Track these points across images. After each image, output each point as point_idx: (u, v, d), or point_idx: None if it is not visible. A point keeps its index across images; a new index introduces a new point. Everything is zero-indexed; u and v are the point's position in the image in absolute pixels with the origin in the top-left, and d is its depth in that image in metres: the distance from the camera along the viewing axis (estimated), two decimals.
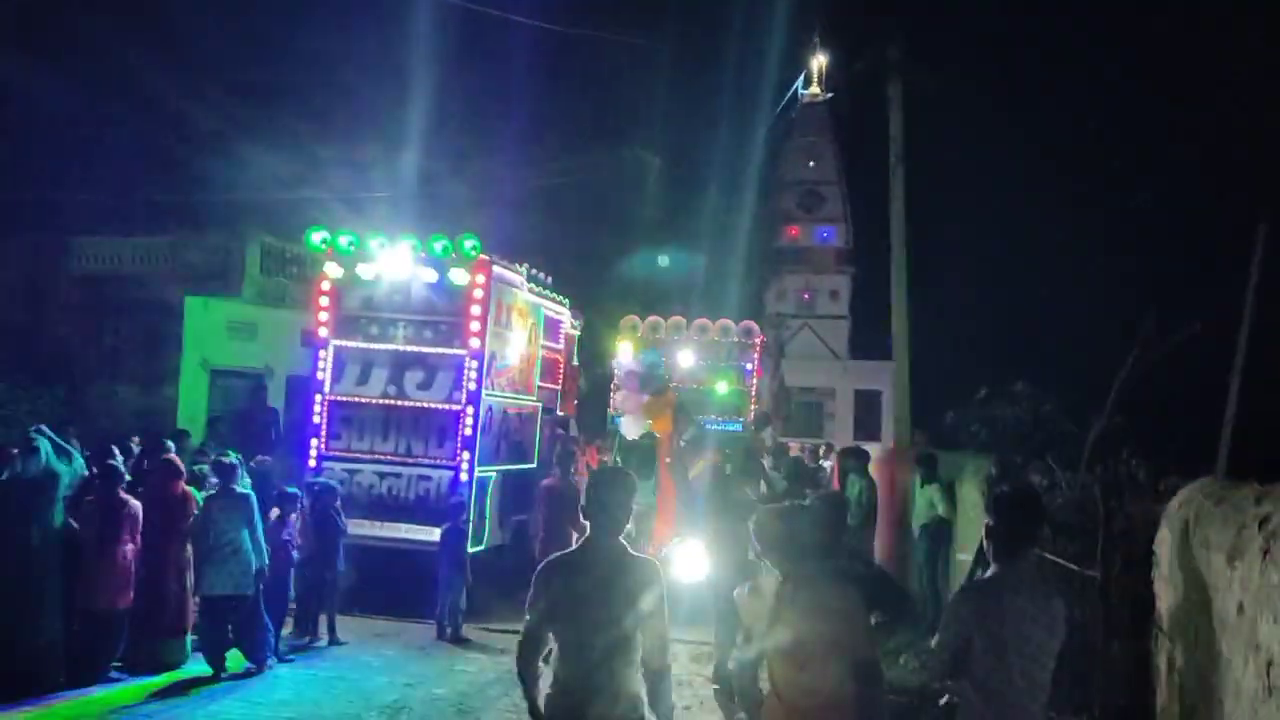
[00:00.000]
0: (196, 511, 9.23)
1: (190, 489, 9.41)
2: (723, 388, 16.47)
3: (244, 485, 9.39)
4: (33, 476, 8.49)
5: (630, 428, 14.00)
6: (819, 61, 41.30)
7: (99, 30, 18.15)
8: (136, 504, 9.04)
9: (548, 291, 13.87)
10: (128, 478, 9.24)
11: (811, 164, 42.53)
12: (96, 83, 19.01)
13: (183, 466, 9.66)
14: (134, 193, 19.42)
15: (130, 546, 8.91)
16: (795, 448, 17.55)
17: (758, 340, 17.01)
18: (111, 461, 9.39)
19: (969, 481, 10.29)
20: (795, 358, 37.15)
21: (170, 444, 11.06)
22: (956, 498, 10.94)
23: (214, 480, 9.41)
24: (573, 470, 12.19)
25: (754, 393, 16.66)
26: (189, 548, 9.22)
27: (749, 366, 16.71)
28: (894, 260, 16.57)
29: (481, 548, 11.77)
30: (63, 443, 8.89)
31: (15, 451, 8.75)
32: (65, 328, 17.60)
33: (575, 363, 15.83)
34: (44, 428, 8.85)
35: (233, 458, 9.51)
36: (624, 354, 16.36)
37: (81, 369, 17.48)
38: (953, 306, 33.37)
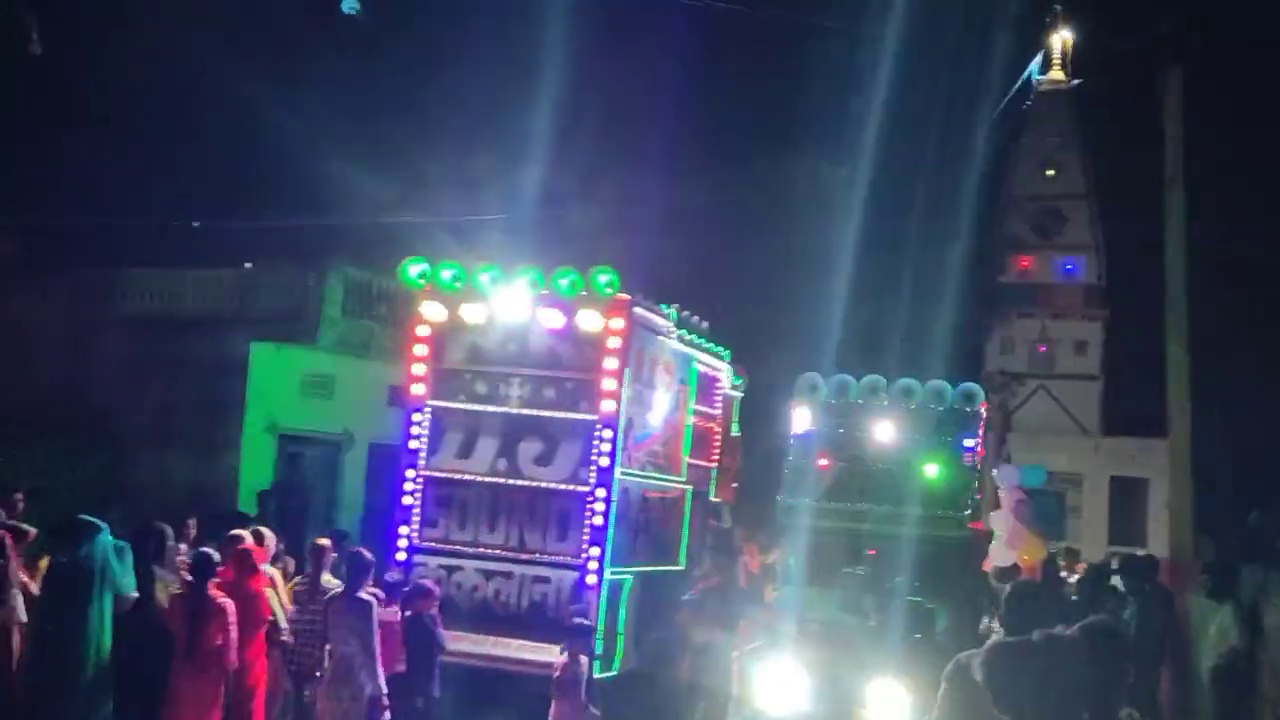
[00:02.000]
0: (276, 617, 9.61)
1: (267, 590, 9.83)
2: (932, 471, 16.08)
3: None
4: (87, 566, 9.02)
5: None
6: (1062, 38, 40.57)
7: (158, 25, 19.38)
8: (231, 605, 9.49)
9: (702, 341, 13.93)
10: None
11: (1050, 173, 41.77)
12: (153, 87, 20.29)
13: (263, 556, 10.06)
14: (194, 216, 20.52)
15: (226, 660, 9.39)
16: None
17: (982, 408, 16.57)
18: (206, 551, 9.85)
19: (1278, 605, 9.77)
20: (1027, 431, 36.24)
21: (249, 533, 11.32)
22: (1261, 626, 10.38)
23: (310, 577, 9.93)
24: (735, 573, 12.11)
25: (975, 479, 16.19)
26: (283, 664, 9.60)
27: (969, 443, 16.27)
28: (1168, 301, 15.94)
29: (613, 672, 11.76)
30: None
31: (60, 535, 9.33)
32: (111, 380, 18.61)
33: (736, 433, 15.75)
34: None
35: (367, 555, 10.14)
36: (801, 420, 16.20)
37: (129, 431, 18.38)
38: (1252, 366, 32.01)
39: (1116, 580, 14.31)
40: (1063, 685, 4.43)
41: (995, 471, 15.32)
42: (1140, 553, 12.88)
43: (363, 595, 10.13)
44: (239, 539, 10.74)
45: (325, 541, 11.47)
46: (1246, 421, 30.62)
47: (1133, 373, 36.49)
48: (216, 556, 10.02)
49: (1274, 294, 33.01)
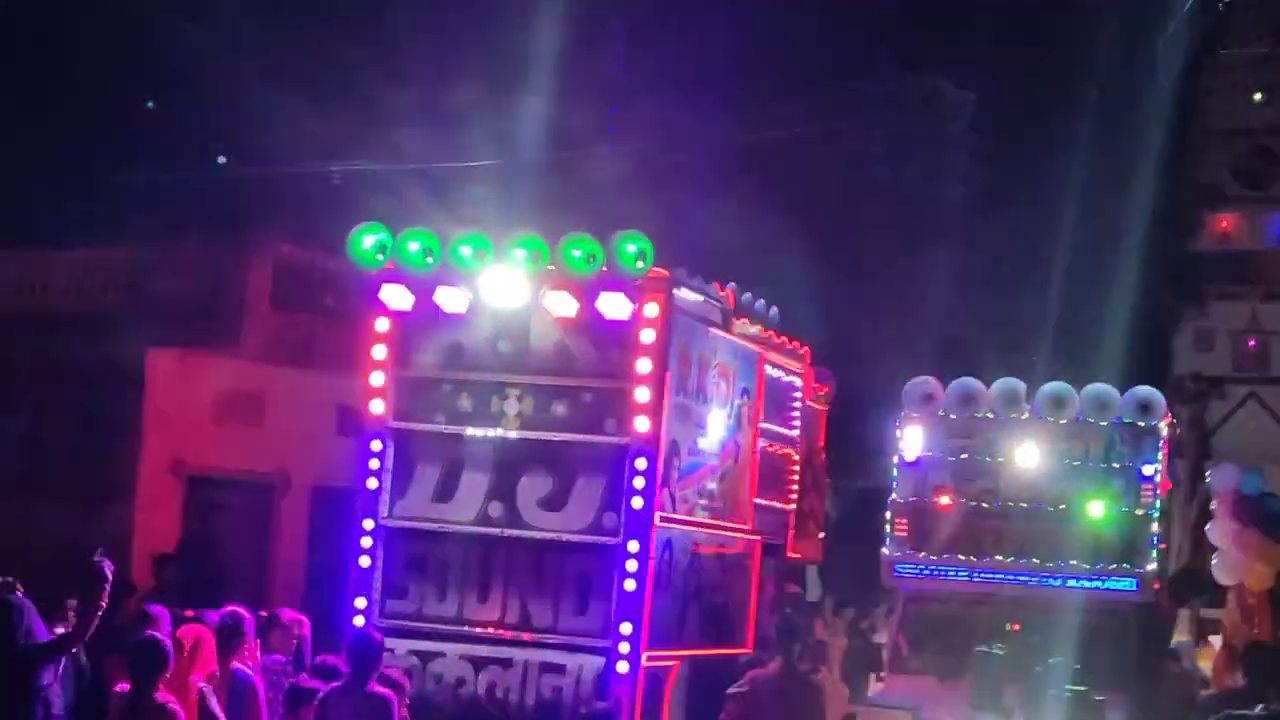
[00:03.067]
0: None
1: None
2: (1096, 510, 16.06)
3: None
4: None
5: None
6: None
7: None
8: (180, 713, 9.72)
9: (771, 334, 13.94)
10: None
11: (1258, 98, 41.45)
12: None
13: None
14: (65, 177, 20.66)
15: None
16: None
17: (1165, 423, 16.54)
18: (153, 640, 10.04)
19: None
20: (1234, 458, 35.93)
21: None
22: None
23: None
24: (804, 658, 12.16)
25: (1156, 524, 16.17)
26: None
27: (1149, 472, 16.24)
28: None
29: None
30: None
31: None
32: None
33: (822, 463, 15.73)
34: None
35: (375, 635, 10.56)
36: (912, 443, 16.19)
37: None
38: None
39: None
40: None
41: (1208, 475, 15.29)
42: None
43: (377, 689, 10.31)
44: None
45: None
46: None
47: None
48: (168, 646, 10.12)
49: None
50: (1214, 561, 16.16)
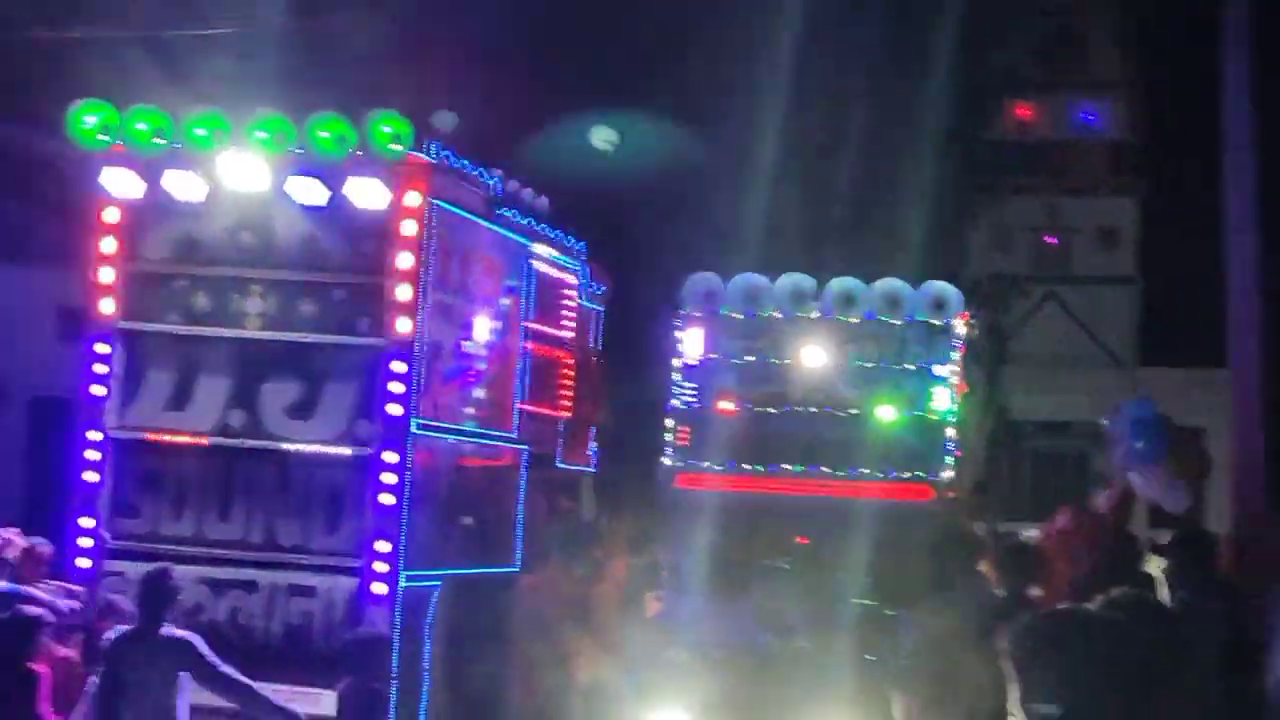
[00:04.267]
0: None
1: None
2: (887, 415, 16.42)
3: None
4: None
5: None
6: None
7: None
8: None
9: (543, 227, 13.95)
10: None
11: None
12: None
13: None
14: None
15: None
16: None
17: (959, 321, 16.92)
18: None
19: None
20: (1031, 362, 36.98)
21: None
22: None
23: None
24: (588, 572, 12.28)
25: (953, 428, 16.59)
26: None
27: (943, 373, 16.64)
28: (1229, 175, 16.41)
29: None
30: None
31: None
32: None
33: (596, 366, 15.83)
34: None
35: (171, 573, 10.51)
36: (693, 345, 16.33)
37: None
38: None
39: (1156, 566, 14.86)
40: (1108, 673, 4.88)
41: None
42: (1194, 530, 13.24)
43: (175, 632, 10.32)
44: None
45: None
46: None
47: (1183, 274, 37.45)
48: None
49: None
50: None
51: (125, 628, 10.56)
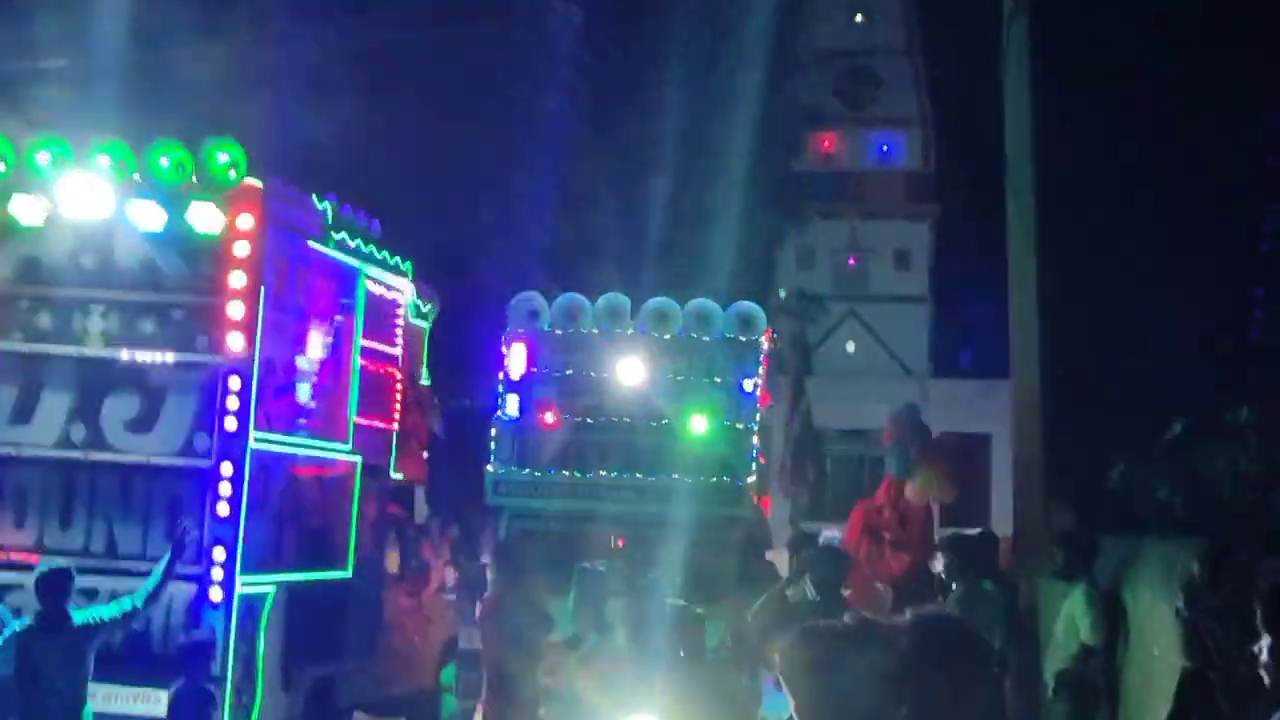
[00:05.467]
0: None
1: None
2: (698, 425, 16.49)
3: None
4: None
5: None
6: None
7: None
8: None
9: (373, 249, 13.88)
10: None
11: (859, 19, 43.00)
12: None
13: None
14: None
15: None
16: (833, 536, 17.59)
17: (764, 338, 17.06)
18: None
19: (1149, 586, 10.38)
20: (833, 374, 37.42)
21: None
22: (1124, 616, 11.08)
23: None
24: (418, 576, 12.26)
25: (756, 437, 16.71)
26: None
27: (747, 386, 16.75)
28: (1010, 190, 16.69)
29: None
30: None
31: None
32: None
33: (425, 381, 15.75)
34: None
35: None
36: (517, 360, 16.32)
37: None
38: (1118, 279, 33.96)
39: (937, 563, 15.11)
40: (878, 691, 4.81)
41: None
42: (977, 530, 13.47)
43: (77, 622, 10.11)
44: None
45: None
46: (1118, 345, 32.45)
47: (971, 292, 38.17)
48: None
49: (1153, 175, 34.87)
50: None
51: (26, 622, 10.28)
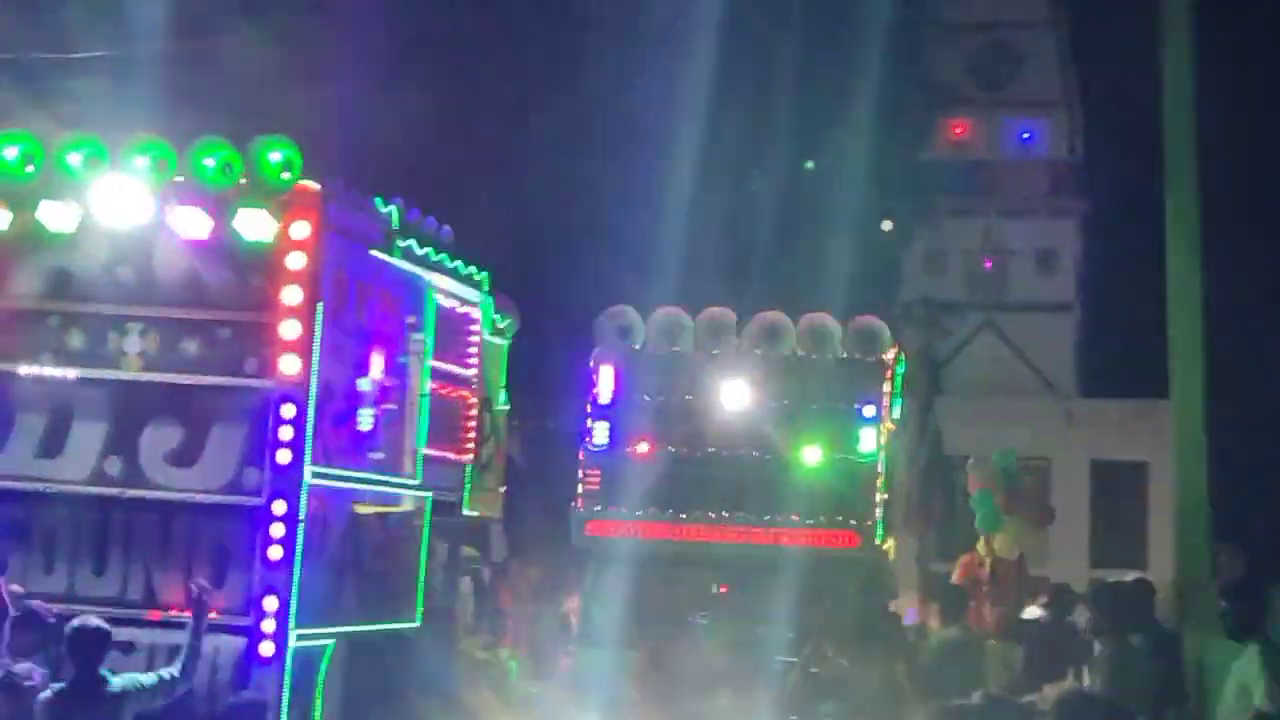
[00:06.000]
0: None
1: None
2: (812, 457, 16.43)
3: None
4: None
5: None
6: None
7: None
8: None
9: (445, 258, 13.90)
10: None
11: None
12: None
13: None
14: None
15: None
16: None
17: (889, 357, 16.97)
18: None
19: None
20: (965, 393, 37.17)
21: None
22: None
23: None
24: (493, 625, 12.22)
25: (878, 469, 16.63)
26: None
27: (868, 412, 16.66)
28: (1169, 185, 16.54)
29: None
30: None
31: None
32: None
33: (503, 406, 15.78)
34: None
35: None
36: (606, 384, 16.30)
37: None
38: None
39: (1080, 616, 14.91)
40: None
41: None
42: (1129, 578, 13.33)
43: (110, 686, 10.18)
44: None
45: None
46: None
47: (1124, 298, 37.79)
48: None
49: None
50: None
51: (57, 685, 10.33)
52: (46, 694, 10.24)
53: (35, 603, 11.23)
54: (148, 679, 10.40)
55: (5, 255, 11.96)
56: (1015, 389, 40.00)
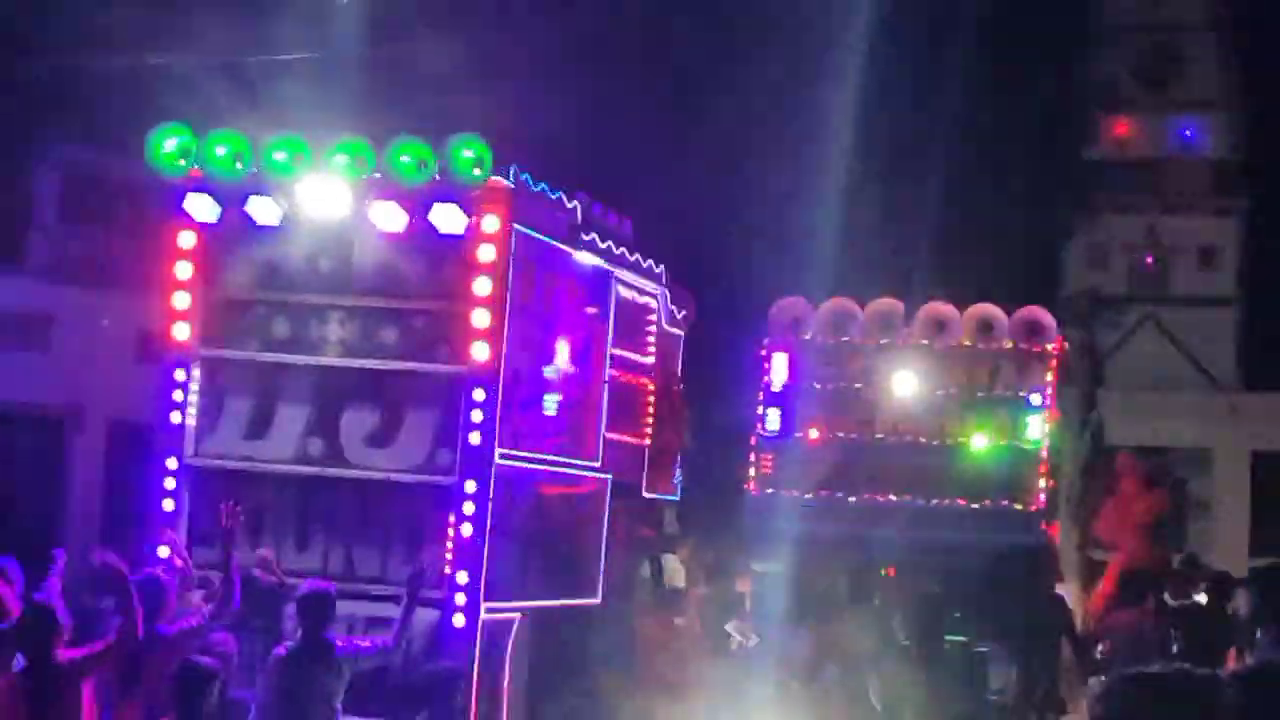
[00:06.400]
0: None
1: None
2: (979, 444, 16.35)
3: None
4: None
5: None
6: None
7: None
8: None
9: (624, 251, 14.00)
10: None
11: None
12: None
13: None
14: None
15: None
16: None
17: (1053, 347, 16.83)
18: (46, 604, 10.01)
19: None
20: (1127, 386, 36.68)
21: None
22: None
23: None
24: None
25: (1045, 453, 16.50)
26: None
27: (1035, 400, 16.54)
28: None
29: None
30: None
31: None
32: None
33: (680, 392, 15.87)
34: None
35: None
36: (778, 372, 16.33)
37: None
38: None
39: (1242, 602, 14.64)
40: None
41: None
42: None
43: (338, 645, 10.51)
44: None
45: None
46: None
47: None
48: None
49: None
50: None
51: (290, 645, 10.63)
52: (280, 651, 10.53)
53: (256, 571, 11.55)
54: (365, 645, 10.65)
55: (215, 247, 12.25)
56: (1177, 382, 39.29)
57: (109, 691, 10.41)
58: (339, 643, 10.52)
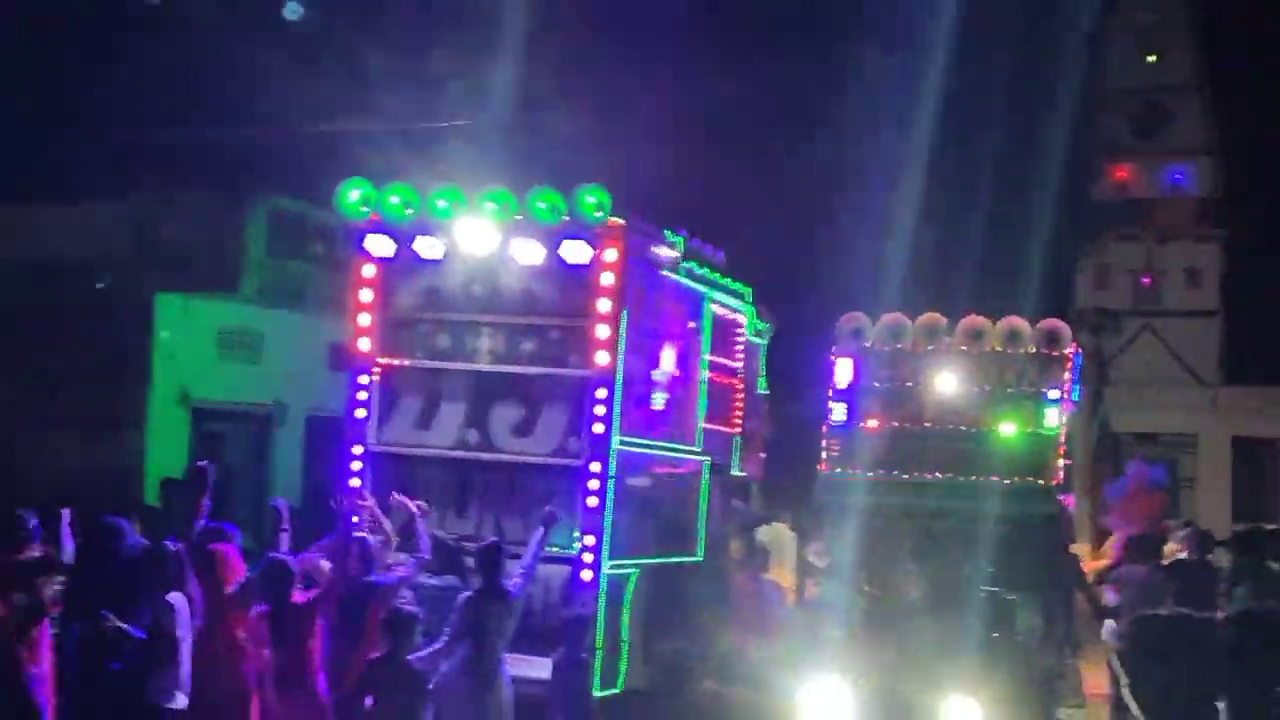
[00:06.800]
0: None
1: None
2: (1008, 429, 16.15)
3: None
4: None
5: None
6: None
7: None
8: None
9: (718, 276, 14.02)
10: None
11: (1151, 59, 41.46)
12: None
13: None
14: (81, 134, 20.43)
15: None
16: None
17: (1069, 352, 16.61)
18: (282, 558, 10.31)
19: None
20: (1129, 384, 36.23)
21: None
22: None
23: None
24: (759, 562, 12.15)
25: (1061, 438, 16.27)
26: None
27: (1053, 395, 16.31)
28: None
29: (615, 690, 11.94)
30: None
31: None
32: None
33: (762, 391, 15.80)
34: None
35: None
36: (844, 374, 16.22)
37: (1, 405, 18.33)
38: None
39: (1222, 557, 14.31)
40: (1203, 674, 4.69)
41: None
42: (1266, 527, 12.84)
43: (506, 588, 10.71)
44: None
45: None
46: None
47: (1259, 307, 36.56)
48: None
49: None
50: None
51: (473, 589, 10.77)
52: (466, 594, 10.69)
53: (439, 533, 11.68)
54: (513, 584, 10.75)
55: (390, 277, 12.41)
56: (1169, 380, 38.71)
57: (339, 630, 10.57)
58: (511, 587, 10.62)
